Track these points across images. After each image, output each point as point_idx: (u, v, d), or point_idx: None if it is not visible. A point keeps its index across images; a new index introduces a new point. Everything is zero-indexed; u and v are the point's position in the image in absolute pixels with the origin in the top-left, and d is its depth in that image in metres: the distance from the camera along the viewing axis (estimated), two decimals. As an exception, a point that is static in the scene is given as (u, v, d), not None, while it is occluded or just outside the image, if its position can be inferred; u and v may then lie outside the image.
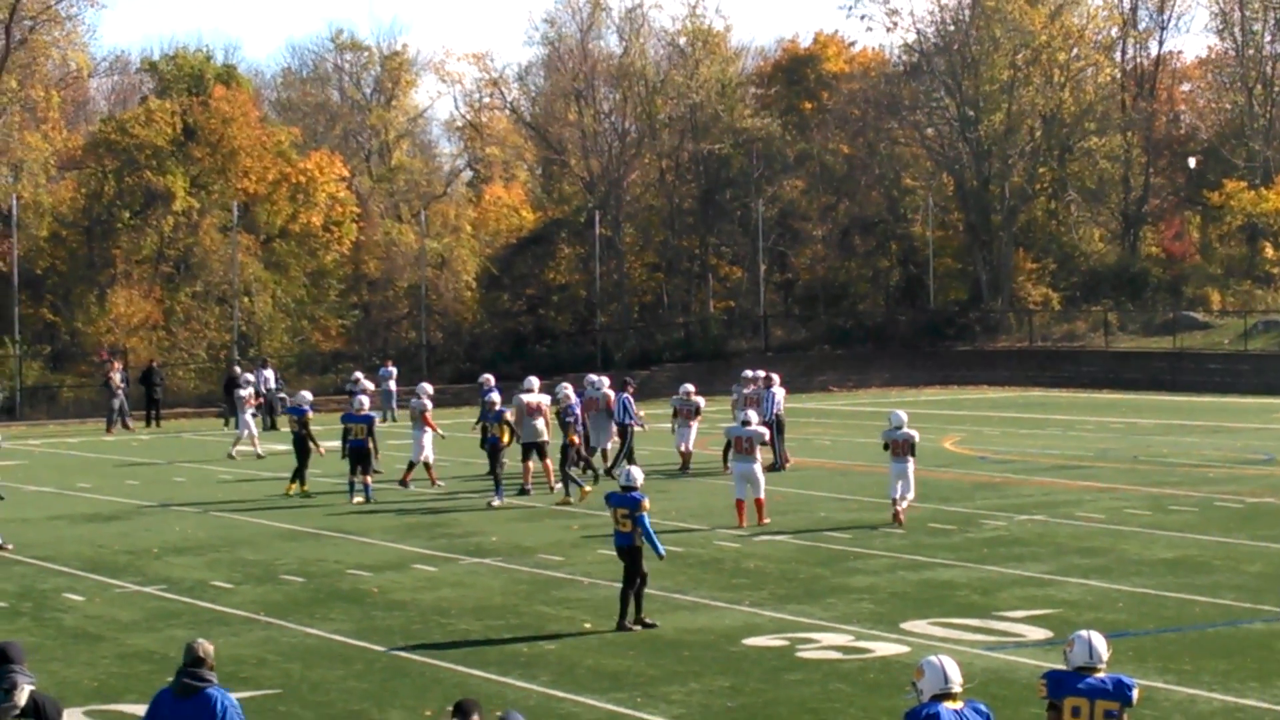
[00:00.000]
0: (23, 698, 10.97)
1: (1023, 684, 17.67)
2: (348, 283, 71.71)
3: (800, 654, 19.18)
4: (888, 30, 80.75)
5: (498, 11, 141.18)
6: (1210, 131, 79.88)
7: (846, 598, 22.45)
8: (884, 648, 19.28)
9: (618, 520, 21.04)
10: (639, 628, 20.61)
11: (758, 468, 29.48)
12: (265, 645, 20.17)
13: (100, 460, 43.50)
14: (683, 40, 76.92)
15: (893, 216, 78.25)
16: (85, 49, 73.51)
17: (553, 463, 34.23)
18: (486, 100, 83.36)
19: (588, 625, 20.97)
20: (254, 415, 43.77)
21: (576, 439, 33.71)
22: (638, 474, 21.31)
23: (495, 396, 34.27)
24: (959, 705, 11.02)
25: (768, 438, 31.93)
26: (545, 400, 35.20)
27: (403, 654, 19.56)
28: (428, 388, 37.92)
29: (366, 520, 30.70)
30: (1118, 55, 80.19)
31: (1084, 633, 12.00)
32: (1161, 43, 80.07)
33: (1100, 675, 11.66)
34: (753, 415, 31.00)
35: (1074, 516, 29.52)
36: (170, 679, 12.16)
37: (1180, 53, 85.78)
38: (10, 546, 27.95)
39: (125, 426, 53.24)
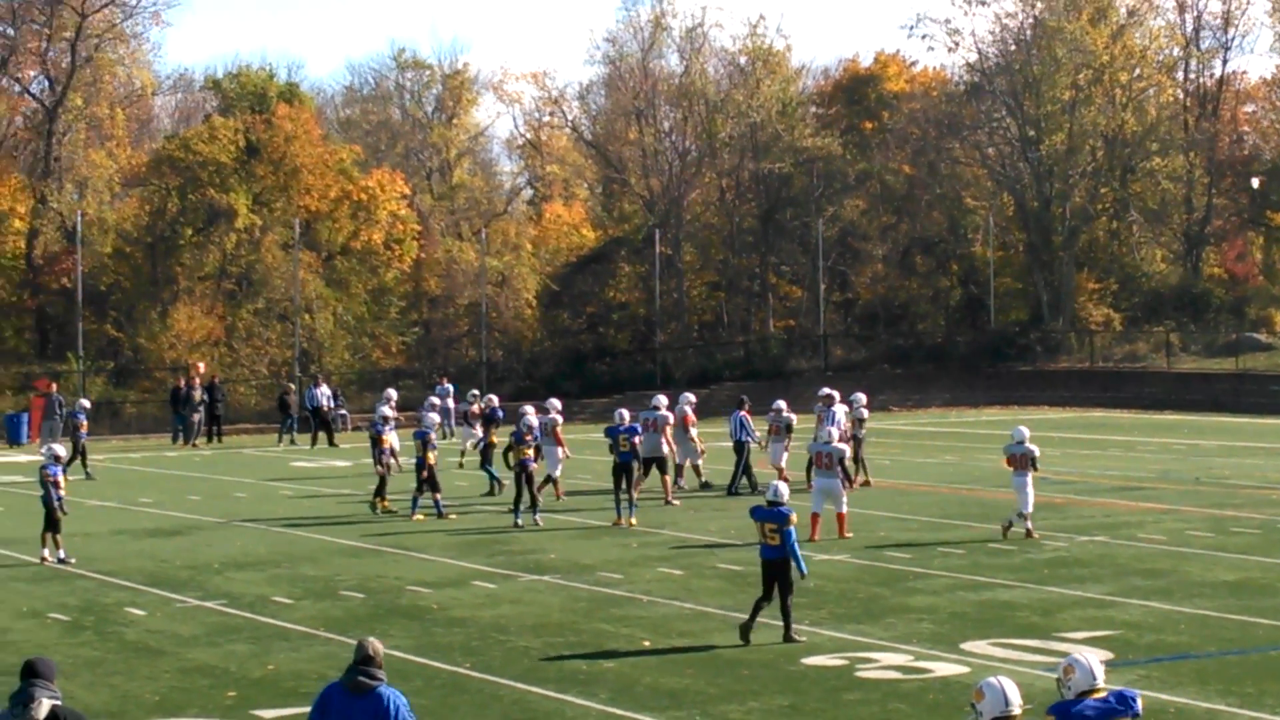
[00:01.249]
0: (41, 712, 10.98)
1: (1083, 706, 17.56)
2: (408, 300, 71.93)
3: (859, 674, 19.13)
4: (949, 50, 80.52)
5: (559, 31, 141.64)
6: (1274, 152, 79.39)
7: (906, 617, 22.37)
8: (944, 668, 19.21)
9: (765, 534, 21.19)
10: (746, 637, 20.85)
11: (839, 483, 29.93)
12: (325, 661, 20.21)
13: (162, 475, 43.73)
14: (743, 59, 76.94)
15: (953, 236, 78.03)
16: (150, 67, 74.29)
17: (670, 478, 35.70)
18: (547, 119, 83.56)
19: (647, 643, 20.96)
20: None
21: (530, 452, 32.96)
22: (784, 489, 21.57)
23: (532, 420, 33.82)
24: None
25: (850, 454, 31.88)
26: (670, 416, 36.35)
27: (462, 670, 19.59)
28: (556, 403, 37.90)
29: (426, 537, 30.75)
30: (1180, 75, 79.83)
31: (1079, 656, 11.78)
32: (1225, 63, 79.69)
33: (1102, 695, 11.50)
34: (834, 432, 31.47)
35: (1135, 538, 29.37)
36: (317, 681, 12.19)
37: (1244, 73, 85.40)
38: (73, 560, 28.12)
39: (193, 445, 53.44)
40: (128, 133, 73.79)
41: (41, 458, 29.31)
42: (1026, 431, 30.68)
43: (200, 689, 18.88)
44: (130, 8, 68.92)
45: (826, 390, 38.62)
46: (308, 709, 17.58)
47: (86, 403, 46.06)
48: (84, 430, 43.86)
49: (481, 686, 18.85)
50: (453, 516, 33.01)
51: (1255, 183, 75.73)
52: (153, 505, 36.58)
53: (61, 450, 30.58)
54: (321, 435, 52.92)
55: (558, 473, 35.93)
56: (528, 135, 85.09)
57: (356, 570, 27.00)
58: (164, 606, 24.13)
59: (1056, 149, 74.28)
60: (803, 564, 21.37)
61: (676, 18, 77.54)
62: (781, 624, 20.88)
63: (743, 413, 37.17)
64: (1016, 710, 11.02)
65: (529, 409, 34.34)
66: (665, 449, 36.06)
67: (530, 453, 31.95)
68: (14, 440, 54.51)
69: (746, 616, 21.09)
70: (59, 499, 28.50)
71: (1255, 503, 34.28)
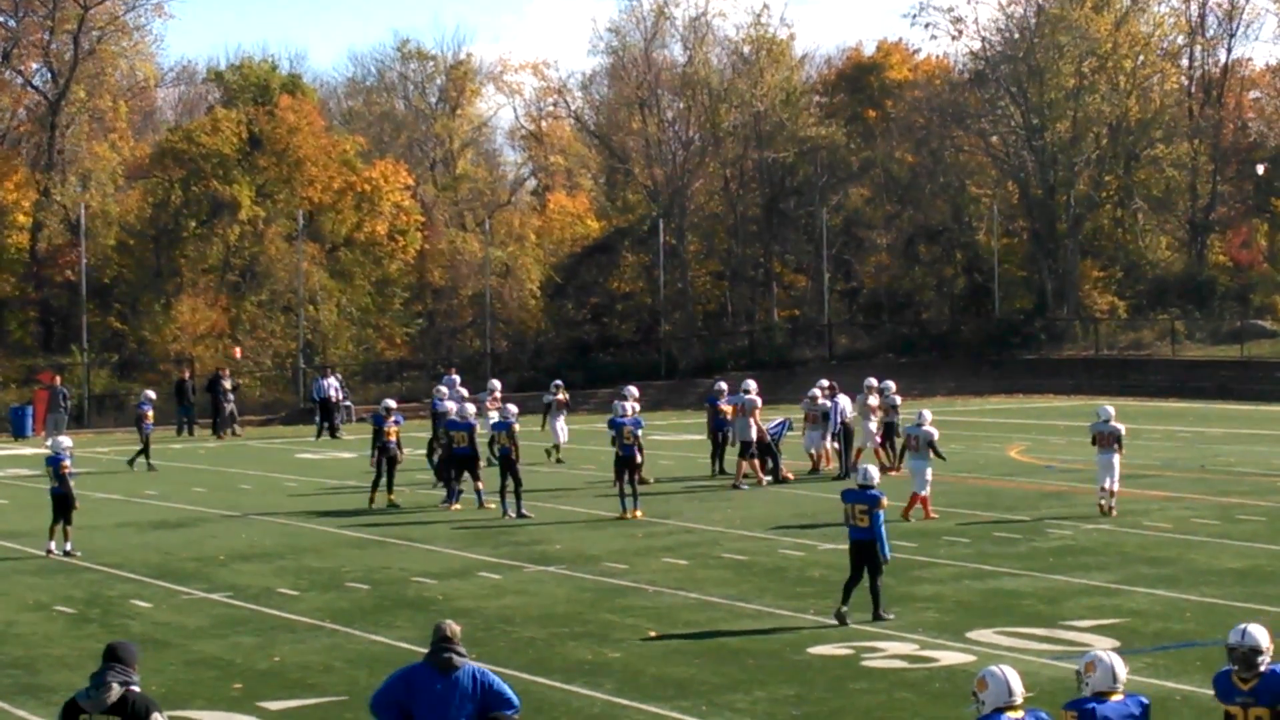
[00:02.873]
0: (111, 696, 11.15)
1: (1090, 694, 17.58)
2: (412, 291, 71.91)
3: (865, 663, 19.14)
4: (952, 38, 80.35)
5: (562, 21, 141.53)
6: (1279, 139, 79.35)
7: (912, 606, 22.38)
8: (949, 657, 19.21)
9: (855, 516, 21.49)
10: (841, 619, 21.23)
11: (927, 465, 30.91)
12: (331, 652, 20.24)
13: (167, 468, 43.75)
14: (746, 49, 76.89)
15: (957, 225, 77.96)
16: (152, 59, 74.22)
17: (754, 462, 36.51)
18: (550, 109, 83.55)
19: (652, 633, 20.97)
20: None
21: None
22: (875, 472, 21.84)
23: (512, 408, 33.88)
24: (1020, 715, 10.98)
25: (936, 437, 32.07)
26: (759, 401, 37.13)
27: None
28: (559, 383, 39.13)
29: (431, 528, 30.78)
30: (1184, 62, 79.74)
31: (1103, 654, 11.72)
32: (1230, 50, 79.61)
33: (1119, 698, 11.47)
34: (927, 414, 32.13)
35: (1141, 526, 29.37)
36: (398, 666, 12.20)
37: (1249, 60, 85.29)
38: (78, 553, 28.16)
39: (234, 434, 53.29)
40: (131, 125, 73.79)
41: (48, 450, 29.30)
42: (1111, 410, 31.64)
43: (206, 681, 18.90)
44: (133, 0, 68.94)
45: (826, 381, 38.84)
46: (313, 700, 17.72)
47: (152, 394, 45.79)
48: (149, 421, 43.55)
49: (487, 677, 18.83)
50: (491, 506, 32.92)
51: (1260, 170, 75.67)
52: (158, 498, 36.60)
53: (68, 441, 30.62)
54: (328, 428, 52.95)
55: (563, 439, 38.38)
56: (530, 126, 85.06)
57: (361, 562, 27.02)
58: (170, 599, 24.15)
59: (1060, 137, 74.22)
60: (887, 547, 21.60)
61: (679, 7, 77.60)
62: (855, 606, 20.89)
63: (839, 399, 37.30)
64: (1019, 699, 11.02)
65: (511, 405, 34.44)
66: (754, 432, 36.64)
67: (509, 441, 32.01)
68: (18, 433, 54.50)
69: (750, 606, 21.07)
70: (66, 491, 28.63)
71: (1261, 490, 34.27)
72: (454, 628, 12.63)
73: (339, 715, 17.33)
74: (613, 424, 33.13)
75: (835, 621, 21.17)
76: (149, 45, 72.35)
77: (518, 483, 32.00)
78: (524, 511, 31.71)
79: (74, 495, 28.64)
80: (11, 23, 68.12)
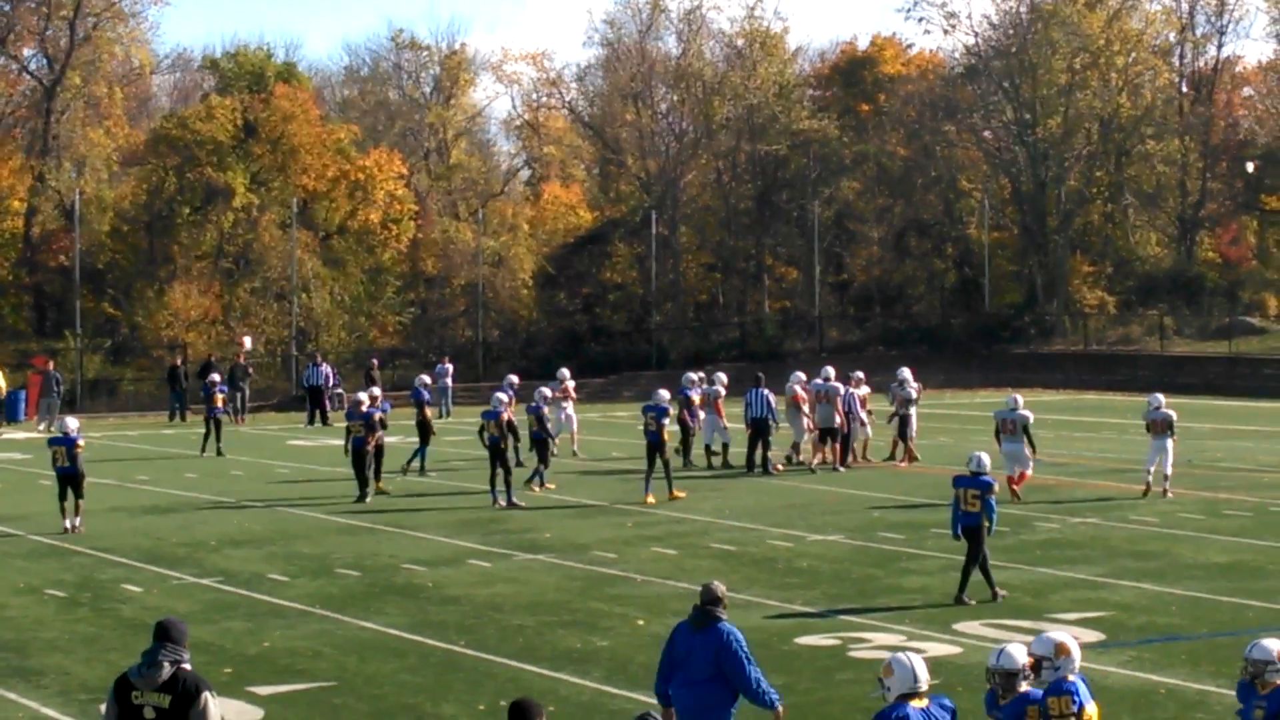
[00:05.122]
0: (163, 674, 11.15)
1: (1075, 686, 17.61)
2: (405, 280, 71.92)
3: (852, 654, 19.16)
4: (945, 33, 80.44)
5: (558, 12, 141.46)
6: (1269, 136, 79.40)
7: (899, 598, 22.41)
8: (936, 648, 19.22)
9: (967, 501, 22.06)
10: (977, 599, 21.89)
11: (1023, 448, 31.71)
12: (321, 638, 20.25)
13: (159, 453, 43.74)
14: (740, 41, 76.96)
15: (949, 219, 78.04)
16: (148, 46, 74.14)
17: (839, 446, 37.39)
18: (544, 100, 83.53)
19: (641, 622, 20.99)
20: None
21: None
22: (986, 459, 22.45)
23: (503, 396, 33.88)
24: (925, 704, 11.07)
25: (1031, 420, 32.96)
26: (841, 388, 37.59)
27: (456, 648, 19.62)
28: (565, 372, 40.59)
29: (422, 516, 30.79)
30: (1176, 60, 79.79)
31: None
32: (1220, 47, 79.69)
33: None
34: (1020, 398, 33.21)
35: (1128, 520, 29.41)
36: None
37: (1240, 57, 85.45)
38: (82, 529, 28.66)
39: (237, 421, 53.00)
40: (126, 111, 73.73)
41: (51, 433, 29.47)
42: (1162, 398, 33.18)
43: (196, 665, 18.63)
44: (129, -14, 68.87)
45: (907, 372, 39.20)
46: (302, 685, 17.74)
47: (216, 377, 45.66)
48: (219, 405, 43.33)
49: (476, 664, 18.87)
50: (551, 486, 33.73)
51: (1250, 167, 75.73)
52: (150, 483, 36.59)
53: (75, 422, 30.86)
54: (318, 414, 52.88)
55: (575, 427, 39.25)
56: (525, 116, 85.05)
57: (352, 548, 27.02)
58: (160, 583, 24.15)
59: (1052, 132, 74.27)
60: (994, 526, 22.44)
61: (675, 0, 77.57)
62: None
63: (765, 390, 37.28)
64: (924, 686, 11.12)
65: (502, 394, 34.36)
66: (837, 419, 37.31)
67: (497, 431, 32.02)
68: (11, 418, 54.43)
69: (739, 596, 21.08)
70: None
71: (1247, 485, 34.31)
72: (722, 590, 13.48)
73: (328, 700, 17.34)
74: (646, 409, 33.68)
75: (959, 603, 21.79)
76: (145, 32, 72.39)
77: (507, 471, 32.04)
78: (515, 500, 31.73)
79: (84, 473, 29.38)
80: (7, 8, 68.02)
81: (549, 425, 34.96)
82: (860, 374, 39.79)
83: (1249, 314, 69.72)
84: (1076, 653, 11.73)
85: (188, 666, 11.35)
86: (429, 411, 37.97)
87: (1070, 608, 21.62)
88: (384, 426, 34.11)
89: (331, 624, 21.14)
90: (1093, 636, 19.97)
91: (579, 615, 21.51)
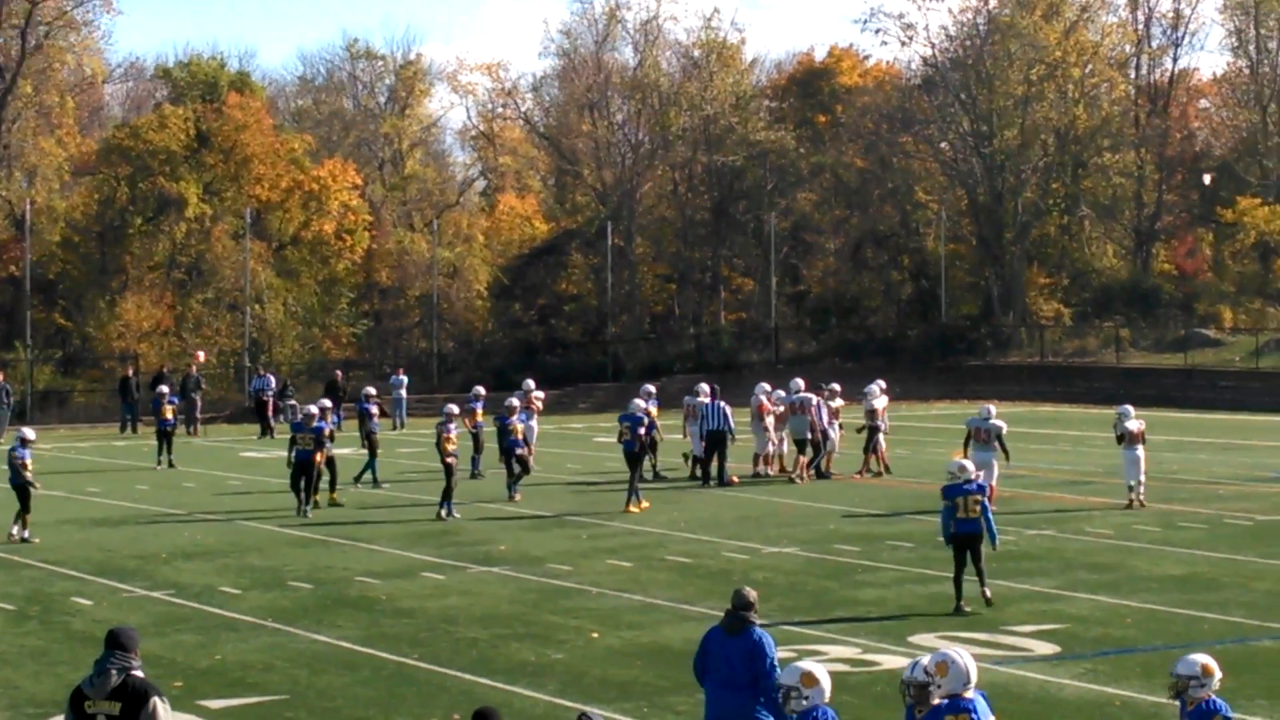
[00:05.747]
0: (112, 682, 11.26)
1: (1030, 699, 17.70)
2: (359, 291, 71.76)
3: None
4: (902, 44, 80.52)
5: (513, 23, 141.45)
6: (1224, 148, 79.88)
7: (854, 610, 22.44)
8: (891, 660, 19.25)
9: (967, 508, 22.35)
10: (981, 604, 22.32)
11: (993, 457, 31.86)
12: (273, 651, 20.18)
13: (111, 465, 43.55)
14: (697, 52, 77.02)
15: (905, 230, 78.20)
16: (100, 55, 73.84)
17: (806, 459, 37.67)
18: (500, 110, 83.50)
19: (595, 635, 20.97)
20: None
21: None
22: (970, 465, 23.13)
23: (454, 409, 34.00)
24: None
25: (1005, 430, 33.24)
26: (814, 398, 38.15)
27: (410, 661, 19.57)
28: (531, 383, 40.36)
29: (375, 528, 30.72)
30: (1132, 72, 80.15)
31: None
32: (1176, 60, 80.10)
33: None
34: (993, 408, 33.58)
35: (1083, 532, 29.50)
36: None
37: (1195, 70, 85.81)
38: (36, 540, 28.68)
39: (191, 433, 52.54)
40: (77, 121, 73.45)
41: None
42: (1132, 409, 33.40)
43: (148, 679, 18.77)
44: (80, -6, 68.60)
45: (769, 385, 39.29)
46: (254, 699, 17.67)
47: (165, 389, 45.33)
48: (169, 416, 42.92)
49: (429, 677, 18.84)
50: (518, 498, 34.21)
51: (1206, 179, 76.12)
52: (101, 495, 36.43)
53: (31, 434, 30.84)
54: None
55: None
56: (480, 126, 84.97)
57: (305, 560, 26.95)
58: (111, 596, 24.04)
59: (1009, 144, 74.49)
60: (996, 537, 22.74)
61: (631, 10, 77.76)
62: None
63: (722, 402, 37.34)
64: (796, 681, 11.54)
65: (453, 406, 34.37)
66: (809, 431, 37.71)
67: (451, 445, 32.05)
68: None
69: (694, 608, 21.07)
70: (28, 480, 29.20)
71: (1202, 497, 34.45)
72: (753, 595, 13.86)
73: (280, 714, 17.28)
74: (622, 419, 34.13)
75: (957, 614, 21.99)
76: (97, 41, 72.07)
77: (450, 486, 32.01)
78: (454, 513, 31.79)
79: (29, 483, 29.53)
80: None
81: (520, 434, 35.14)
82: (836, 386, 40.00)
83: (1204, 326, 70.01)
84: (968, 668, 11.71)
85: (138, 673, 11.42)
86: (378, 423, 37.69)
87: (1026, 620, 21.68)
88: (331, 440, 34.04)
89: (284, 637, 21.07)
90: (1048, 649, 20.03)
91: (533, 628, 21.48)
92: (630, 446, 33.10)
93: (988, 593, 22.46)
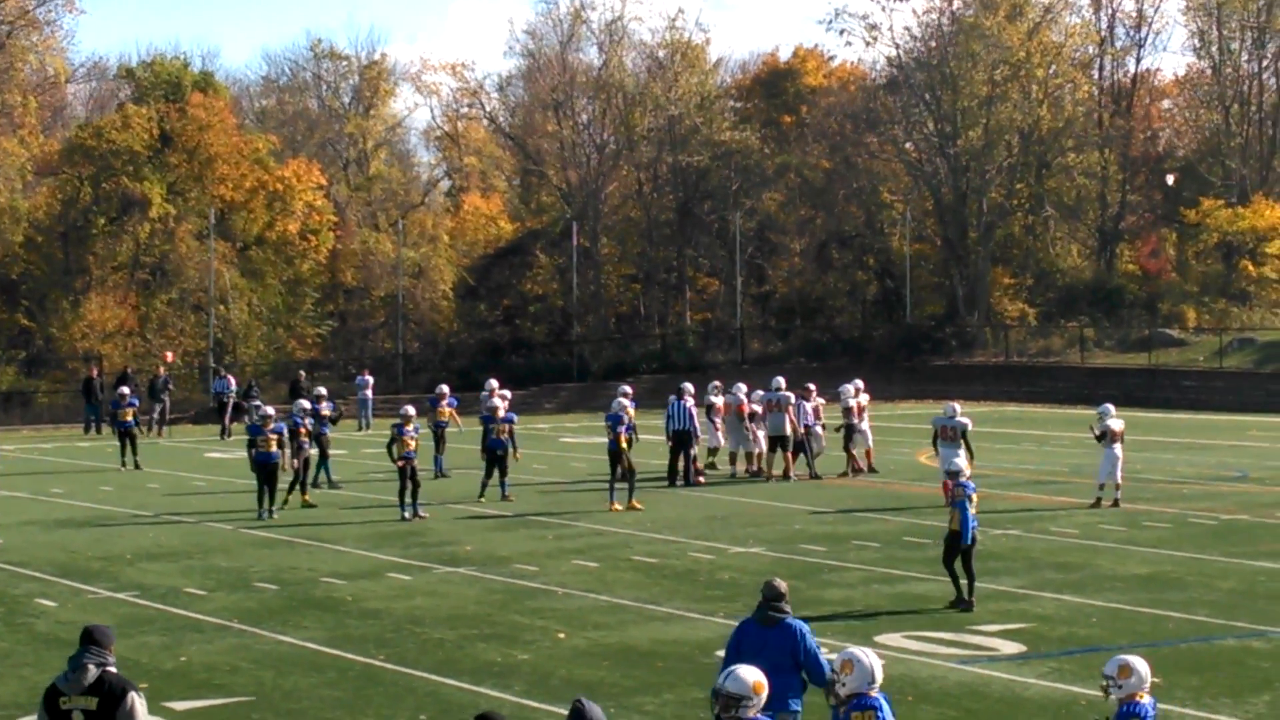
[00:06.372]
0: (88, 678, 11.27)
1: (995, 698, 17.73)
2: (324, 291, 71.64)
3: (774, 666, 19.15)
4: (867, 45, 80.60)
5: (478, 23, 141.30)
6: (1187, 149, 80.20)
7: (821, 610, 22.45)
8: (858, 660, 19.22)
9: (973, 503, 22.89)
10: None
11: (961, 452, 31.65)
12: (238, 653, 20.12)
13: (74, 466, 43.40)
14: (662, 53, 77.04)
15: (870, 231, 78.33)
16: (63, 54, 73.48)
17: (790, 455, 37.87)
18: (465, 110, 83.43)
19: (562, 635, 20.95)
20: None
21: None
22: (967, 467, 23.84)
23: (410, 410, 33.90)
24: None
25: (970, 427, 33.71)
26: (792, 396, 38.31)
27: (376, 662, 19.54)
28: (494, 383, 39.66)
29: (341, 529, 30.66)
30: (1095, 73, 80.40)
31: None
32: (1139, 60, 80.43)
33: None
34: (957, 406, 33.93)
35: (1048, 531, 29.57)
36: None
37: (1158, 70, 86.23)
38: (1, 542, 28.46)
39: (158, 434, 52.35)
40: (40, 121, 73.10)
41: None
42: (1113, 408, 34.03)
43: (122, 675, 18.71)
44: (43, -6, 68.36)
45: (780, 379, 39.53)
46: (219, 700, 17.61)
47: (126, 390, 44.81)
48: (130, 418, 42.62)
49: (395, 678, 18.80)
50: (511, 498, 34.19)
51: (1170, 179, 76.38)
52: (64, 496, 36.30)
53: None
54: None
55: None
56: (445, 127, 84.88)
57: (270, 561, 26.88)
58: (75, 598, 23.95)
59: (973, 144, 74.66)
60: (970, 533, 22.68)
61: (596, 10, 77.93)
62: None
63: (686, 401, 37.36)
64: (738, 691, 11.18)
65: (409, 408, 34.22)
66: (788, 428, 37.82)
67: (412, 445, 32.00)
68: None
69: (660, 609, 21.08)
70: None
71: (1167, 497, 34.57)
72: (783, 586, 14.01)
73: (246, 715, 17.23)
74: (607, 419, 34.10)
75: (960, 606, 22.30)
76: (59, 40, 71.76)
77: (416, 486, 31.96)
78: (420, 513, 31.75)
79: None
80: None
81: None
82: (812, 386, 40.17)
83: (1168, 326, 70.26)
84: (877, 671, 11.77)
85: (113, 669, 11.46)
86: (304, 431, 36.40)
87: (991, 619, 21.72)
88: (293, 436, 33.98)
89: (249, 638, 21.01)
90: (1014, 648, 20.07)
91: (499, 628, 21.46)
92: (613, 445, 33.16)
93: (972, 597, 22.50)
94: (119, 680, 11.42)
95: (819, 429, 39.08)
